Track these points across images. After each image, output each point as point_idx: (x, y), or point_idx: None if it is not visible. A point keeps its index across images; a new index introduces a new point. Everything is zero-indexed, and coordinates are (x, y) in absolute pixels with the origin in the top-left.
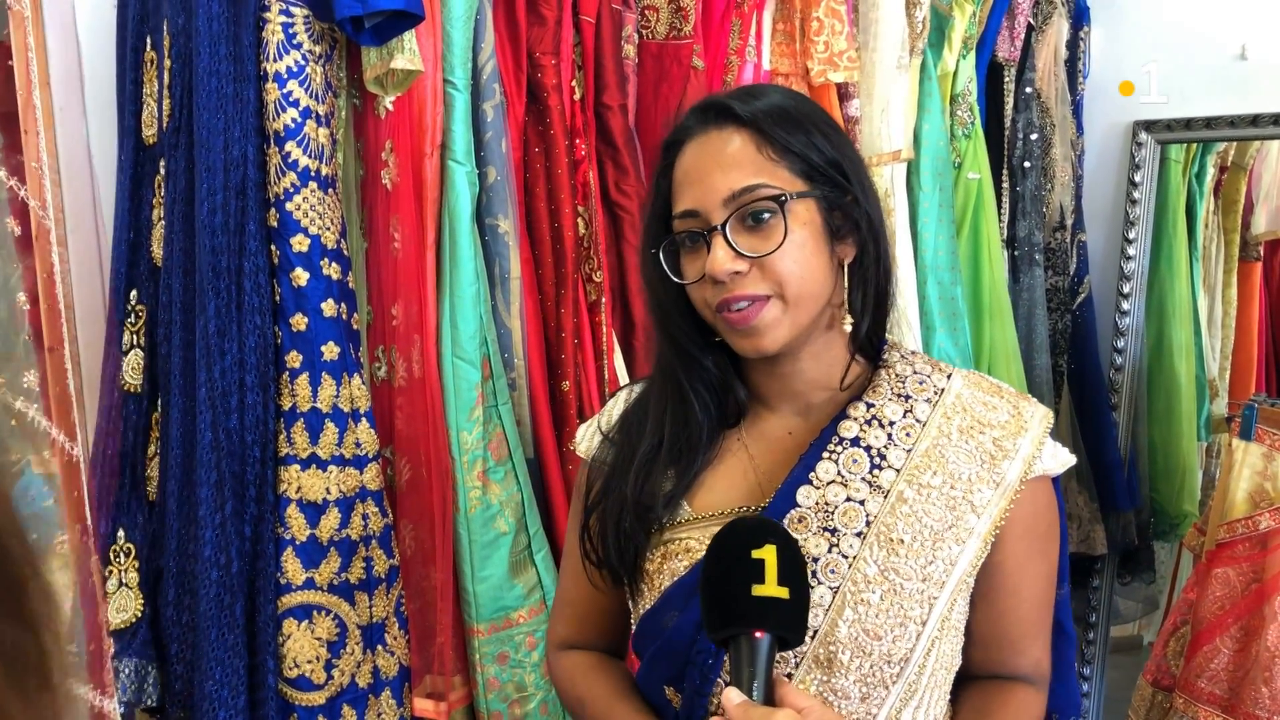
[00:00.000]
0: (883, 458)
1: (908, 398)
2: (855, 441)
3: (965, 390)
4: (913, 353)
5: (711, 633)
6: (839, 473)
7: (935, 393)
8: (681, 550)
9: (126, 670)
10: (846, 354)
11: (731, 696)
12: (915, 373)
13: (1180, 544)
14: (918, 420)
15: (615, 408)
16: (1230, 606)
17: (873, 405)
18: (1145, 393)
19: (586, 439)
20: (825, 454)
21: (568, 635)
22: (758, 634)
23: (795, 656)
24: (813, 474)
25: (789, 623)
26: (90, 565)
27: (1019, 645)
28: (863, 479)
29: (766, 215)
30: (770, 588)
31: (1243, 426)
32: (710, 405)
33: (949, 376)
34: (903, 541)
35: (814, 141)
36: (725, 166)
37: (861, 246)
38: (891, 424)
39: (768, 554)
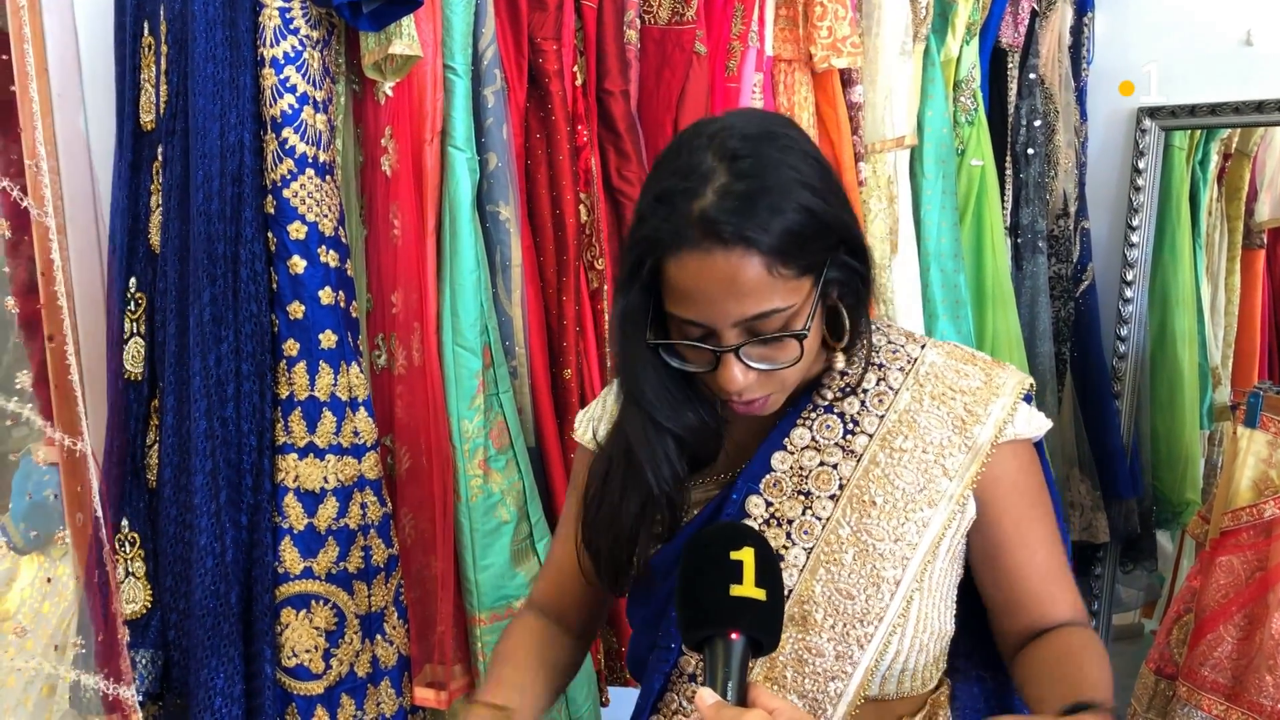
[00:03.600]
0: (855, 423)
1: (881, 366)
2: (829, 408)
3: (939, 359)
4: (888, 324)
5: (687, 633)
6: (813, 438)
7: (908, 361)
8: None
9: (143, 661)
10: (823, 353)
11: (705, 697)
12: (890, 343)
13: (1182, 532)
14: (890, 388)
15: (610, 396)
16: (1234, 595)
17: (846, 374)
18: (1148, 380)
19: (584, 425)
20: (799, 420)
21: (541, 599)
22: (733, 635)
23: None
24: (787, 439)
25: (765, 624)
26: (103, 556)
27: (1050, 595)
28: (836, 444)
29: (782, 334)
30: (748, 588)
31: (1248, 414)
32: (681, 471)
33: (923, 346)
34: (874, 504)
35: (806, 216)
36: (737, 295)
37: (849, 295)
38: (865, 391)
39: (746, 556)
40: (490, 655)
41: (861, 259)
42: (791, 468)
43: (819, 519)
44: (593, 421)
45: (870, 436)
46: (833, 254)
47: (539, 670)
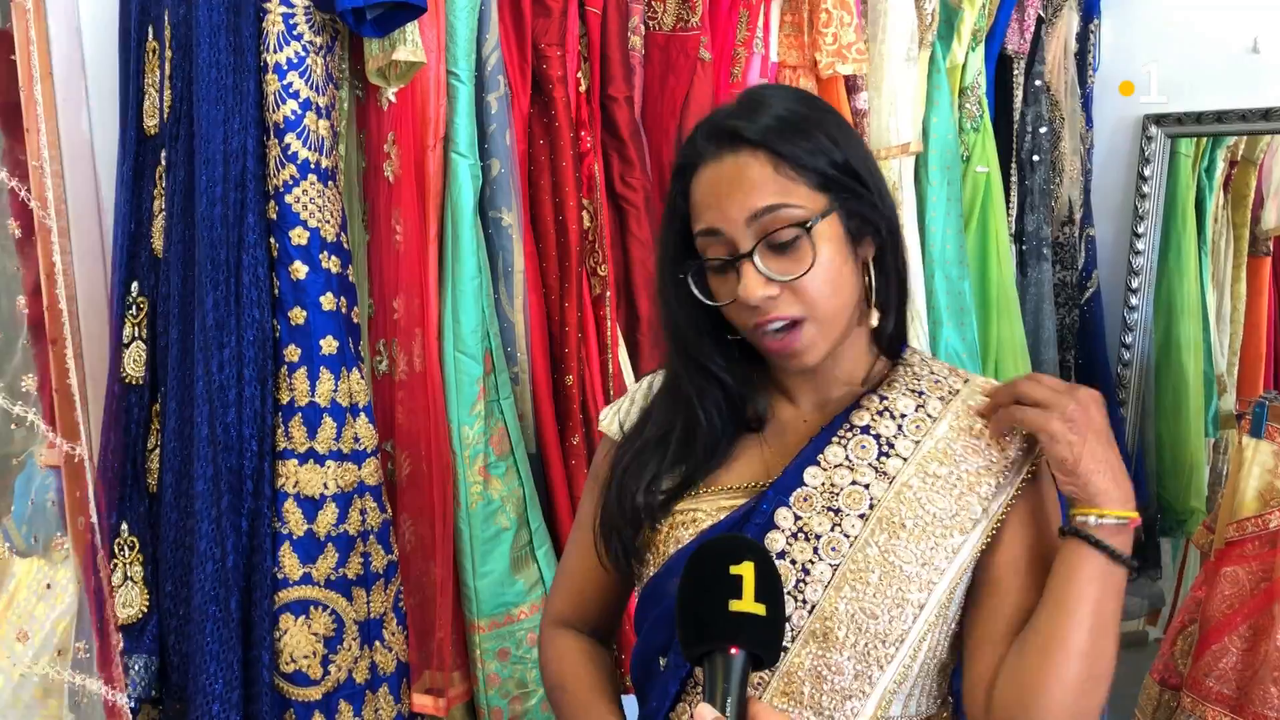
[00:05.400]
0: (891, 446)
1: (921, 393)
2: (865, 429)
3: (980, 397)
4: (933, 358)
5: (687, 649)
6: (846, 457)
7: (950, 392)
8: (689, 520)
9: (136, 667)
10: (868, 351)
11: (704, 713)
12: (932, 373)
13: (1187, 540)
14: (929, 415)
15: (638, 394)
16: (1239, 605)
17: (886, 398)
18: (1153, 388)
19: (610, 418)
20: (835, 439)
21: (563, 609)
22: (733, 650)
23: (792, 630)
24: (821, 456)
25: (764, 639)
26: (98, 562)
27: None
28: (869, 465)
29: (792, 239)
30: (748, 604)
31: (1253, 424)
32: (719, 421)
33: (965, 381)
34: (904, 526)
35: (825, 148)
36: (745, 189)
37: (880, 244)
38: (903, 416)
39: (746, 570)
40: (551, 682)
41: (885, 203)
42: (823, 484)
43: (847, 536)
44: (619, 415)
45: (905, 460)
46: (849, 185)
47: (615, 698)
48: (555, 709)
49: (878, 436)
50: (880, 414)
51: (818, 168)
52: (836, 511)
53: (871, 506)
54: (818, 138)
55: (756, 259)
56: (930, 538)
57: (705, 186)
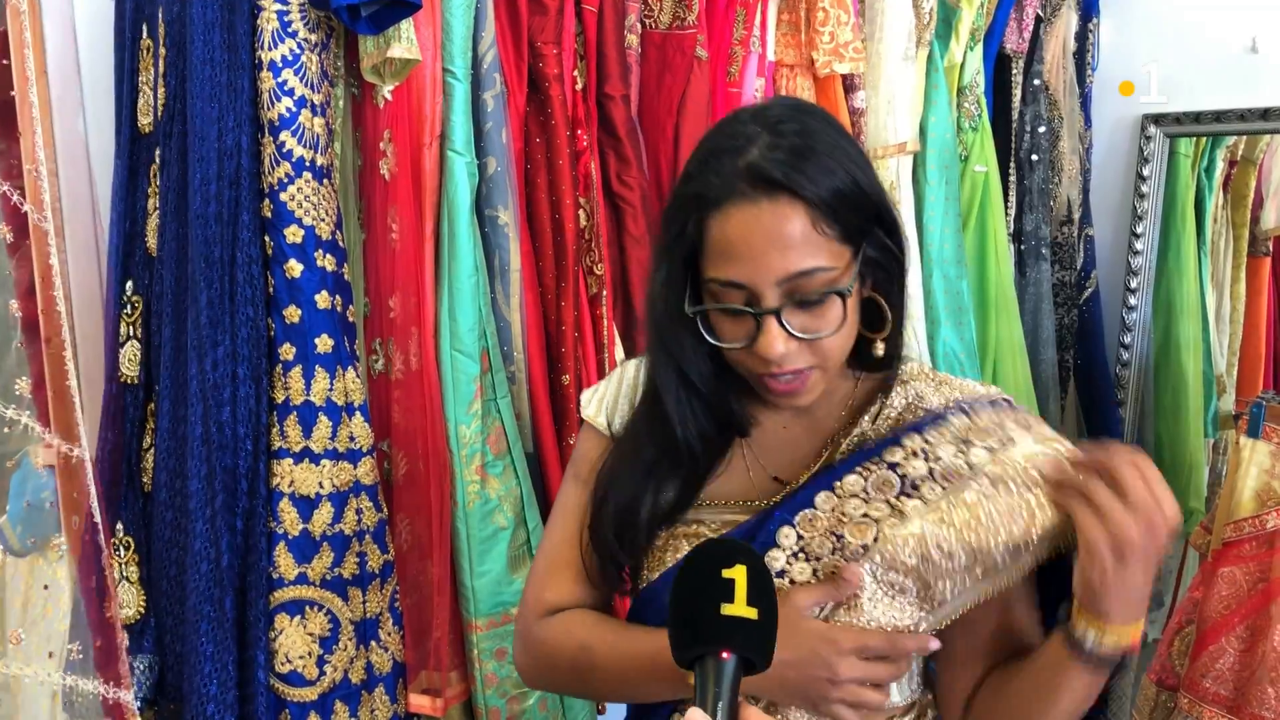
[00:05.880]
0: (915, 488)
1: (968, 442)
2: (893, 467)
3: (1035, 448)
4: (999, 402)
5: (678, 652)
6: (864, 489)
7: (1001, 442)
8: (692, 534)
9: (140, 667)
10: (848, 374)
11: (695, 717)
12: (994, 419)
13: (1186, 541)
14: (969, 463)
15: (625, 380)
16: (1236, 606)
17: (930, 443)
18: (1152, 388)
19: (594, 404)
20: (859, 469)
21: (555, 599)
22: (724, 655)
23: None
24: (838, 483)
25: (756, 644)
26: (101, 562)
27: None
28: (886, 500)
29: (821, 298)
30: (739, 607)
31: (1250, 424)
32: (702, 439)
33: (1028, 428)
34: (906, 564)
35: (852, 191)
36: (781, 248)
37: (885, 281)
38: (939, 459)
39: (738, 574)
40: (569, 655)
41: (896, 239)
42: (833, 509)
43: (846, 561)
44: (604, 402)
45: (925, 503)
46: (872, 229)
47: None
48: (584, 675)
49: (904, 476)
50: (914, 454)
51: (847, 217)
52: (839, 538)
53: (875, 539)
54: (844, 176)
55: (783, 317)
56: (938, 578)
57: (735, 233)
